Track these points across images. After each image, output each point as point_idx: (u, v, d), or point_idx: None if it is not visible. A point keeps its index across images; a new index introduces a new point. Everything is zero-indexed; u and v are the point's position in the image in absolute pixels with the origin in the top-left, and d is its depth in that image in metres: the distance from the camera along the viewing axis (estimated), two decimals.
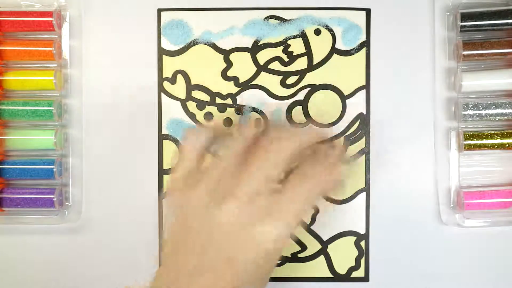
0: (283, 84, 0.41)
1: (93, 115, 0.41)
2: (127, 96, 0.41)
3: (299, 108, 0.41)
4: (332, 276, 0.42)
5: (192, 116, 0.41)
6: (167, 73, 0.41)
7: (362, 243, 0.41)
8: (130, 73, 0.41)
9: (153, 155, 0.41)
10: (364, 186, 0.41)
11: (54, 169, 0.40)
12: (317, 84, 0.41)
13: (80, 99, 0.41)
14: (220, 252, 0.29)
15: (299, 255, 0.42)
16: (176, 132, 0.41)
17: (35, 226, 0.41)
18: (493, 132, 0.40)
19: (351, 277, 0.42)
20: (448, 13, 0.40)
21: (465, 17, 0.39)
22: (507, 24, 0.39)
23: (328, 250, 0.42)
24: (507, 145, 0.40)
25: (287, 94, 0.41)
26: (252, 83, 0.41)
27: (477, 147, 0.40)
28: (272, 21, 0.41)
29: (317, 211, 0.41)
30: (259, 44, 0.41)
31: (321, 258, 0.42)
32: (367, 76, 0.41)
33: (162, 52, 0.41)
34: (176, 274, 0.29)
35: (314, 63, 0.41)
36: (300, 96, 0.41)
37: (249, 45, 0.41)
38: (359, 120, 0.41)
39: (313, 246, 0.42)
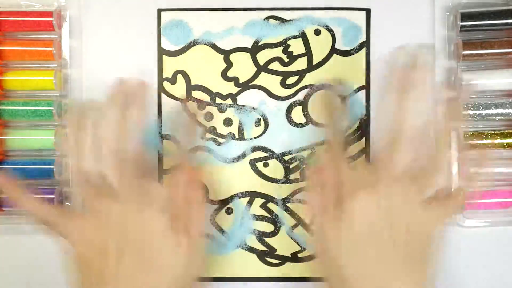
0: (283, 84, 0.41)
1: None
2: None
3: (299, 108, 0.41)
4: None
5: (192, 116, 0.41)
6: (167, 73, 0.41)
7: None
8: (130, 73, 0.41)
9: (153, 155, 0.41)
10: None
11: (54, 169, 0.40)
12: (317, 84, 0.41)
13: (80, 99, 0.41)
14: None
15: (299, 255, 0.42)
16: (176, 132, 0.41)
17: (35, 226, 0.41)
18: (493, 132, 0.40)
19: None
20: (448, 13, 0.40)
21: (465, 17, 0.39)
22: (507, 24, 0.39)
23: None
24: (507, 145, 0.40)
25: (287, 94, 0.41)
26: (252, 83, 0.41)
27: (477, 147, 0.40)
28: (272, 21, 0.41)
29: None
30: (259, 44, 0.41)
31: None
32: (367, 76, 0.41)
33: (162, 52, 0.41)
34: None
35: (314, 63, 0.41)
36: (300, 96, 0.41)
37: (249, 45, 0.41)
38: (359, 120, 0.41)
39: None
